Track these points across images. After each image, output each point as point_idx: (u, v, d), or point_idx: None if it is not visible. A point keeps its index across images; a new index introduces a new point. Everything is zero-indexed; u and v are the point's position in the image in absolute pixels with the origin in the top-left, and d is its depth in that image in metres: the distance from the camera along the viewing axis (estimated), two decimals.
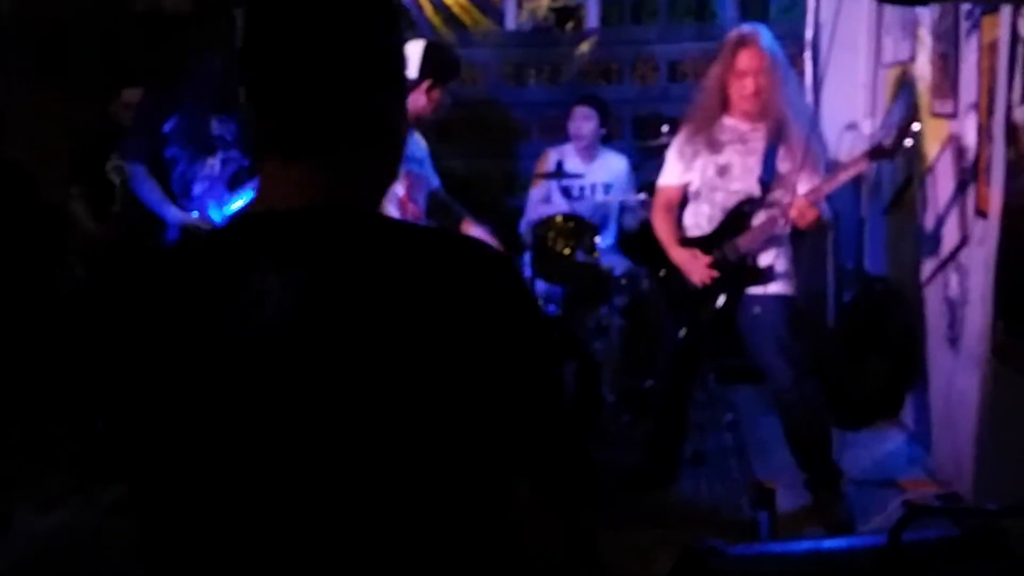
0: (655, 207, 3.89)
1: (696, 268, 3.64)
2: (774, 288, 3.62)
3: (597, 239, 4.66)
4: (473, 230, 3.90)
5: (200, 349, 1.06)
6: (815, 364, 3.91)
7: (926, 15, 4.20)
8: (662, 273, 3.83)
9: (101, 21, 5.32)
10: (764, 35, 3.64)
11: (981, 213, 3.65)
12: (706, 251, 3.65)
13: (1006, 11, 3.27)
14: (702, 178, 3.70)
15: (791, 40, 5.50)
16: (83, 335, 1.13)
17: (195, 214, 4.21)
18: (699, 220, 3.73)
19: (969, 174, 3.78)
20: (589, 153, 5.06)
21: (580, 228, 4.62)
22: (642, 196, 4.85)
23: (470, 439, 1.06)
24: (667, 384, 3.89)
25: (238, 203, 4.31)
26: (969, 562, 1.89)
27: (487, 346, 1.06)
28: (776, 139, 3.59)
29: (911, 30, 4.41)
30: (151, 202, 4.28)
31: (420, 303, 1.05)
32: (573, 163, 5.00)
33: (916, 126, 3.66)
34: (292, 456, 1.04)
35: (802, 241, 4.03)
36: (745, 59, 3.57)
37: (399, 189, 3.66)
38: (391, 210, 3.70)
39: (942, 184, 4.03)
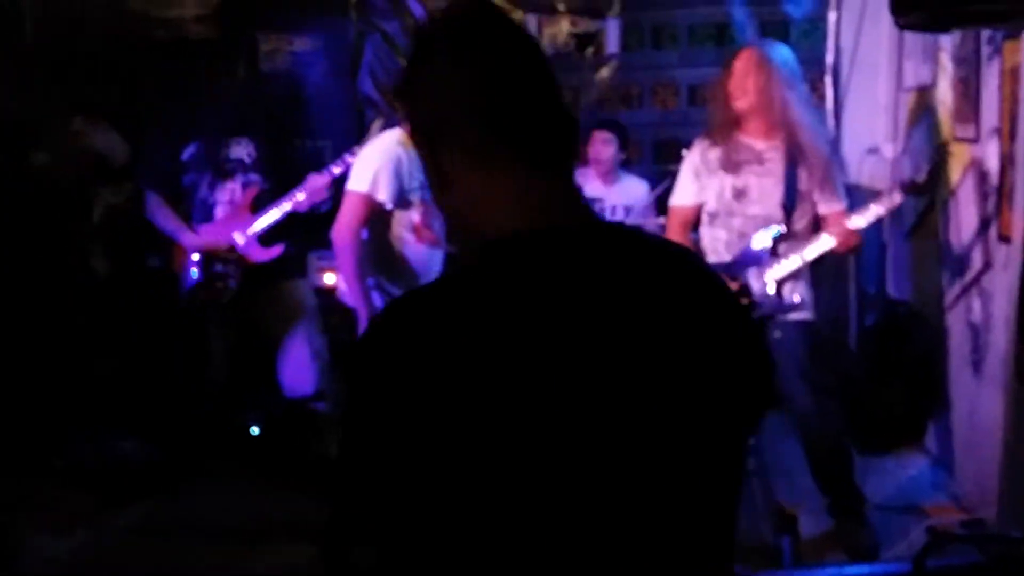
0: (670, 228, 3.84)
1: None
2: (795, 314, 3.58)
3: None
4: None
5: (556, 369, 1.02)
6: (837, 388, 3.88)
7: (947, 40, 4.20)
8: None
9: (124, 48, 5.37)
10: (769, 47, 3.63)
11: (1004, 238, 3.63)
12: (730, 278, 3.61)
13: None
14: (719, 201, 3.64)
15: (812, 65, 5.49)
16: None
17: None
18: (716, 246, 3.67)
19: (992, 199, 3.76)
20: (609, 177, 5.06)
21: None
22: (662, 220, 4.84)
23: (733, 437, 1.17)
24: None
25: (261, 226, 4.35)
26: None
27: (745, 338, 1.18)
28: (794, 158, 3.55)
29: (932, 55, 4.40)
30: (168, 230, 4.32)
31: (701, 310, 1.14)
32: (593, 187, 5.00)
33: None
34: (635, 467, 1.06)
35: (823, 265, 4.00)
36: (739, 61, 3.56)
37: (415, 216, 3.68)
38: (407, 236, 3.71)
39: (965, 209, 4.02)
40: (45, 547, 3.70)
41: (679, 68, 5.66)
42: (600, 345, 1.04)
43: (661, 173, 5.25)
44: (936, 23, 3.00)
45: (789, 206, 3.57)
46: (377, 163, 3.58)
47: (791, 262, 3.56)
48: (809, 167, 3.54)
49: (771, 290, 3.57)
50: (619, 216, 5.04)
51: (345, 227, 3.56)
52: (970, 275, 3.97)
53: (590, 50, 5.74)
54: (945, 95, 4.26)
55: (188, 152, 4.36)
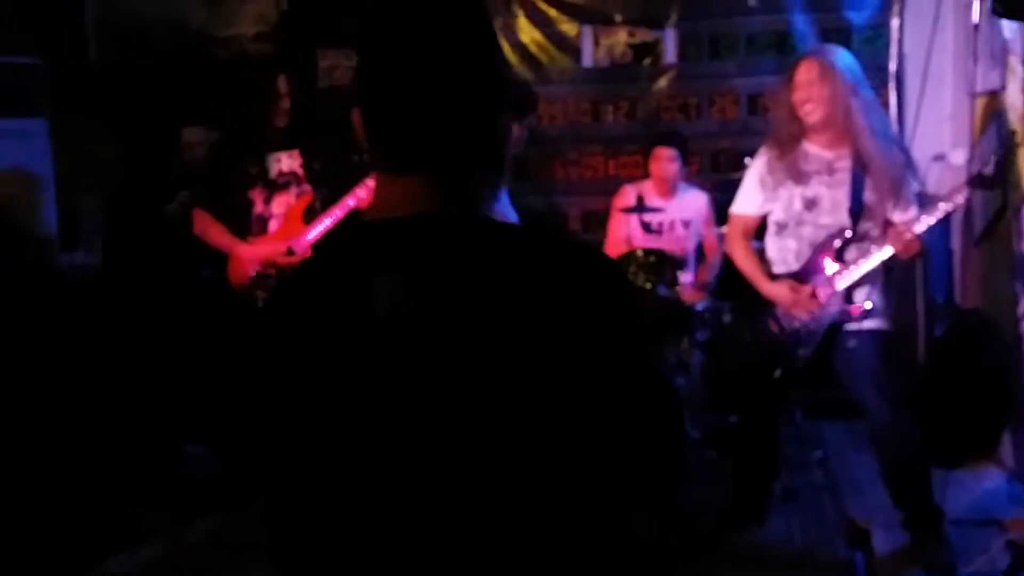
0: (732, 237, 3.77)
1: (799, 302, 3.53)
2: (869, 323, 3.50)
3: (679, 274, 4.61)
4: None
5: (329, 351, 1.11)
6: (907, 400, 3.80)
7: (1017, 43, 4.12)
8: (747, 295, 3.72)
9: (187, 66, 5.45)
10: (831, 52, 3.55)
11: None
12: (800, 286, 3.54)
13: None
14: (787, 211, 3.57)
15: (875, 72, 5.40)
16: (238, 354, 1.24)
17: None
18: (785, 255, 3.60)
19: None
20: (669, 189, 5.02)
21: (661, 262, 4.57)
22: (724, 230, 4.79)
23: (580, 428, 1.08)
24: (755, 420, 3.79)
25: (315, 233, 4.35)
26: None
27: (596, 340, 1.09)
28: (861, 167, 3.47)
29: (1000, 59, 4.31)
30: (222, 244, 4.33)
31: (535, 303, 1.08)
32: (653, 198, 4.96)
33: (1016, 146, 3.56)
34: (413, 453, 1.08)
35: (891, 273, 3.92)
36: (802, 71, 3.48)
37: None
38: None
39: None
40: (116, 563, 3.71)
41: (738, 77, 5.59)
42: (391, 328, 1.08)
43: (721, 183, 5.20)
44: None
45: (857, 215, 3.50)
46: None
47: (859, 269, 3.49)
48: (877, 176, 3.46)
49: (838, 299, 3.50)
50: (678, 230, 4.99)
51: None
52: None
53: (648, 60, 5.70)
54: (1015, 99, 4.17)
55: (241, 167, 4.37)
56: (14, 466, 3.76)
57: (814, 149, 3.52)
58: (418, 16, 1.16)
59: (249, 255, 4.30)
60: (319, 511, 1.13)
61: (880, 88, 5.45)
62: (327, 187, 4.37)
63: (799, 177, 3.53)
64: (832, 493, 4.19)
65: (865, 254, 3.47)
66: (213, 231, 4.34)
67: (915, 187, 3.67)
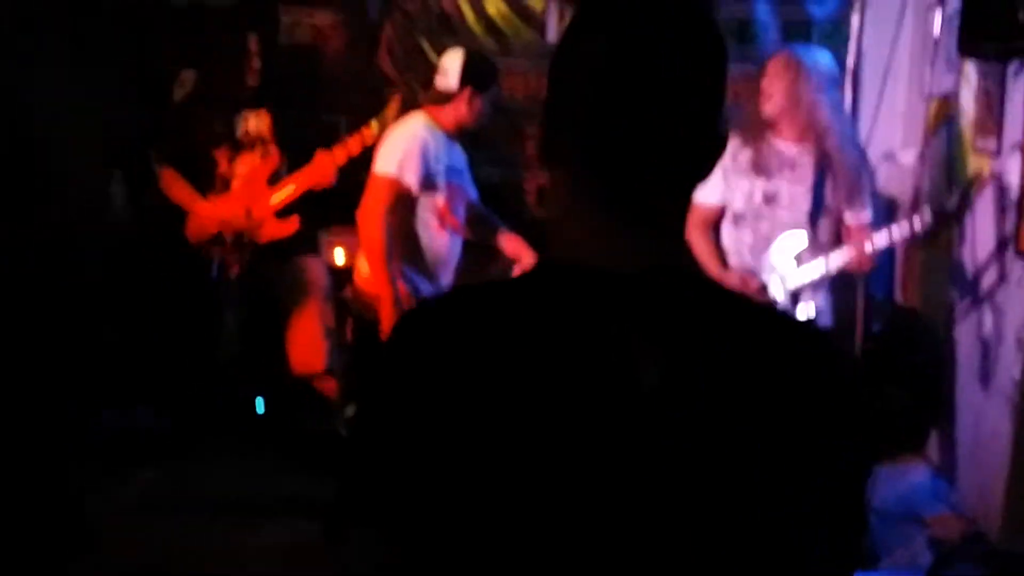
0: (692, 224, 3.73)
1: (747, 292, 3.58)
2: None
3: None
4: (508, 241, 3.91)
5: (572, 425, 0.97)
6: None
7: None
8: None
9: (141, 14, 5.33)
10: (804, 50, 3.62)
11: (1021, 254, 3.65)
12: (751, 280, 3.60)
13: None
14: (747, 203, 3.62)
15: None
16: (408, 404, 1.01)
17: None
18: (740, 247, 3.66)
19: (1011, 214, 3.77)
20: None
21: None
22: None
23: (788, 531, 1.00)
24: None
25: (278, 199, 4.34)
26: None
27: (823, 441, 1.01)
28: (823, 165, 3.53)
29: (956, 64, 4.40)
30: (183, 201, 4.31)
31: (772, 385, 1.00)
32: None
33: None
34: (638, 522, 0.97)
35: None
36: (769, 64, 3.56)
37: (439, 200, 3.67)
38: (431, 221, 3.70)
39: (981, 221, 4.03)
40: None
41: None
42: (659, 402, 0.97)
43: None
44: (1006, 55, 3.02)
45: (815, 214, 3.56)
46: (404, 146, 3.57)
47: (811, 271, 3.56)
48: (837, 175, 3.52)
49: (785, 297, 3.58)
50: None
51: (372, 212, 3.55)
52: (983, 289, 3.99)
53: None
54: (967, 105, 4.27)
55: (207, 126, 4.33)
56: None
57: (779, 144, 3.57)
58: (655, 32, 1.01)
59: (208, 213, 4.28)
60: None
61: None
62: (291, 149, 4.35)
63: (761, 170, 3.57)
64: None
65: (818, 256, 3.53)
66: (176, 186, 4.31)
67: (871, 189, 3.75)
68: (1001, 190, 3.86)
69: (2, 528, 3.33)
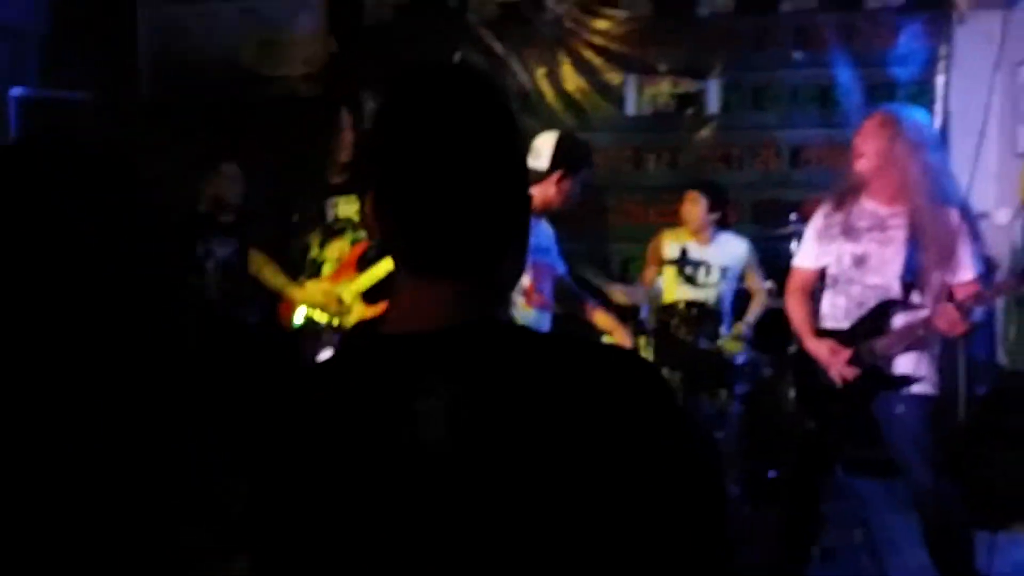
0: (789, 288, 3.75)
1: (834, 363, 3.52)
2: (918, 388, 3.46)
3: (719, 326, 4.61)
4: (597, 314, 3.89)
5: (364, 473, 1.07)
6: (947, 461, 3.76)
7: None
8: (791, 350, 3.70)
9: (236, 103, 5.52)
10: (900, 109, 3.55)
11: None
12: (844, 345, 3.52)
13: None
14: (838, 266, 3.56)
15: None
16: (253, 447, 1.16)
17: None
18: (835, 312, 3.58)
19: None
20: (702, 236, 5.02)
21: (703, 315, 4.58)
22: (769, 284, 4.80)
23: (620, 558, 1.03)
24: (797, 474, 3.76)
25: (366, 282, 4.39)
26: None
27: (643, 464, 1.04)
28: (917, 228, 3.44)
29: None
30: (275, 284, 4.39)
31: (577, 420, 1.04)
32: (694, 249, 4.97)
33: None
34: (445, 569, 1.04)
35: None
36: (865, 124, 3.49)
37: (525, 279, 3.67)
38: (517, 300, 3.70)
39: None
40: None
41: (780, 129, 5.60)
42: (439, 453, 1.04)
43: (761, 235, 5.20)
44: None
45: (908, 276, 3.46)
46: None
47: (899, 337, 3.45)
48: (929, 239, 3.41)
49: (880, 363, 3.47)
50: (715, 276, 4.99)
51: None
52: None
53: (690, 110, 5.72)
54: None
55: (299, 211, 4.43)
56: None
57: (870, 205, 3.50)
58: (444, 109, 1.11)
59: (301, 298, 4.36)
60: None
61: None
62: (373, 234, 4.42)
63: (851, 233, 3.51)
64: (871, 554, 4.14)
65: (913, 328, 3.42)
66: (267, 271, 4.39)
67: (979, 248, 3.58)
68: None
69: None
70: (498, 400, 1.05)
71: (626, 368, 1.09)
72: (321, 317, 4.41)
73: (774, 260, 5.01)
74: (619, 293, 4.16)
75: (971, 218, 3.56)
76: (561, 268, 3.92)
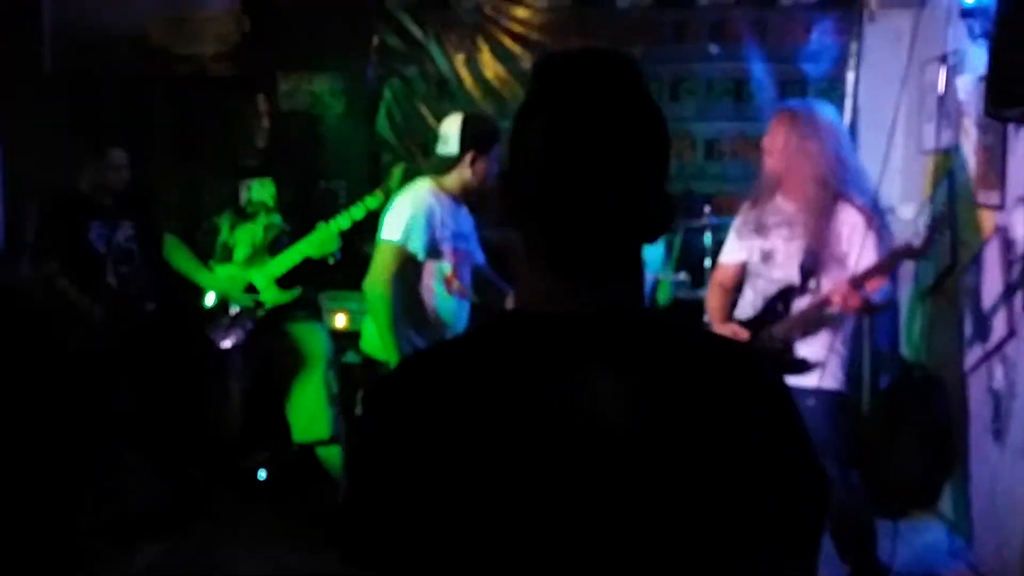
0: (711, 282, 3.86)
1: None
2: (829, 382, 3.51)
3: None
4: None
5: (533, 446, 1.06)
6: (850, 450, 3.85)
7: (971, 105, 4.23)
8: None
9: (144, 82, 5.36)
10: (805, 105, 3.61)
11: None
12: (751, 333, 3.58)
13: None
14: (750, 262, 3.66)
15: None
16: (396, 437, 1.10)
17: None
18: (743, 305, 3.67)
19: (1017, 268, 3.77)
20: None
21: None
22: (681, 276, 4.86)
23: (738, 541, 1.08)
24: None
25: (280, 268, 4.32)
26: None
27: (772, 456, 1.10)
28: (822, 218, 3.49)
29: (955, 119, 4.43)
30: (186, 270, 4.29)
31: (724, 411, 1.08)
32: None
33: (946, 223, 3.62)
34: (603, 553, 1.05)
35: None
36: (773, 121, 3.55)
37: (446, 266, 3.65)
38: (436, 287, 3.67)
39: (988, 275, 4.03)
40: None
41: (696, 121, 5.66)
42: (624, 432, 1.06)
43: (676, 227, 5.24)
44: None
45: (808, 266, 3.53)
46: (410, 213, 3.55)
47: (797, 319, 3.51)
48: (831, 230, 3.48)
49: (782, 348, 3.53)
50: None
51: (378, 279, 3.52)
52: (993, 342, 3.97)
53: None
54: (968, 160, 4.28)
55: (209, 193, 4.32)
56: None
57: (781, 202, 3.55)
58: (602, 108, 1.10)
59: (211, 284, 4.27)
60: None
61: None
62: (292, 216, 4.33)
63: (761, 229, 3.58)
64: None
65: (812, 309, 3.48)
66: (177, 256, 4.29)
67: (882, 243, 3.63)
68: (1006, 244, 3.85)
69: None
70: (665, 385, 1.08)
71: (754, 362, 1.15)
72: (233, 302, 4.32)
73: (687, 252, 5.08)
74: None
75: (879, 211, 3.65)
76: (480, 257, 3.91)
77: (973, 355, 4.16)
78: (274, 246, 4.37)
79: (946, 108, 4.53)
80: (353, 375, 4.21)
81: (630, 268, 1.15)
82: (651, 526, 1.05)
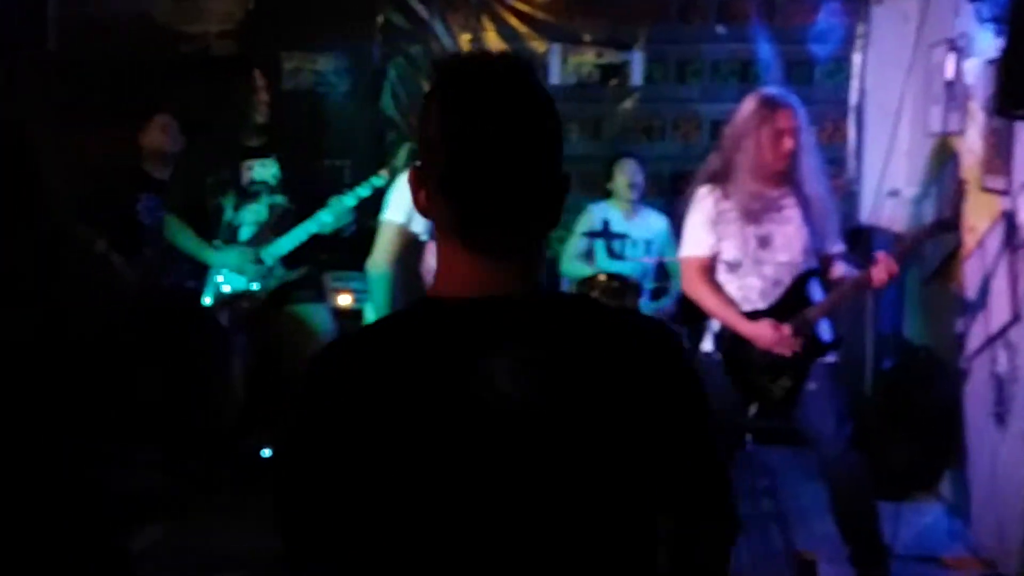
0: (694, 279, 3.62)
1: (780, 339, 3.48)
2: (829, 357, 3.56)
3: (640, 300, 4.65)
4: None
5: (436, 432, 1.17)
6: (853, 431, 3.86)
7: (978, 89, 4.21)
8: (715, 328, 3.68)
9: (148, 60, 5.35)
10: (790, 95, 3.62)
11: None
12: (779, 320, 3.55)
13: None
14: (743, 250, 3.56)
15: (835, 105, 5.52)
16: (317, 416, 1.21)
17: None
18: (748, 294, 3.59)
19: (1022, 252, 3.76)
20: (629, 211, 5.05)
21: (624, 288, 4.61)
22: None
23: (643, 490, 1.25)
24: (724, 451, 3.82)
25: (285, 247, 4.32)
26: None
27: (670, 412, 1.25)
28: (805, 205, 3.54)
29: (961, 103, 4.41)
30: (189, 249, 4.29)
31: (624, 378, 1.22)
32: (617, 222, 4.99)
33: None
34: (516, 515, 1.18)
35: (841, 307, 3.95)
36: (784, 118, 3.50)
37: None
38: (429, 276, 3.69)
39: (992, 259, 4.02)
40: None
41: (702, 102, 5.65)
42: (515, 409, 1.17)
43: (681, 206, 5.23)
44: None
45: (811, 250, 3.56)
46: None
47: (826, 305, 3.56)
48: (815, 214, 3.55)
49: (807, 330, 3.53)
50: (640, 250, 5.03)
51: (381, 258, 3.53)
52: (996, 326, 3.97)
53: (614, 81, 5.73)
54: (974, 144, 4.27)
55: (212, 174, 4.31)
56: None
57: (756, 188, 3.51)
58: (502, 102, 1.21)
59: (216, 263, 4.27)
60: None
61: (840, 121, 5.56)
62: (296, 195, 4.32)
63: (750, 216, 3.53)
64: (779, 523, 4.25)
65: (846, 290, 3.56)
66: (181, 235, 4.29)
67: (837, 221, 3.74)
68: (1011, 228, 3.85)
69: None
70: (561, 358, 1.19)
71: (654, 330, 1.30)
72: (238, 282, 4.33)
73: None
74: None
75: (831, 193, 3.77)
76: None
77: (976, 339, 4.16)
78: (279, 225, 4.37)
79: (953, 91, 4.51)
80: None
81: (536, 248, 1.27)
82: (557, 482, 1.18)
